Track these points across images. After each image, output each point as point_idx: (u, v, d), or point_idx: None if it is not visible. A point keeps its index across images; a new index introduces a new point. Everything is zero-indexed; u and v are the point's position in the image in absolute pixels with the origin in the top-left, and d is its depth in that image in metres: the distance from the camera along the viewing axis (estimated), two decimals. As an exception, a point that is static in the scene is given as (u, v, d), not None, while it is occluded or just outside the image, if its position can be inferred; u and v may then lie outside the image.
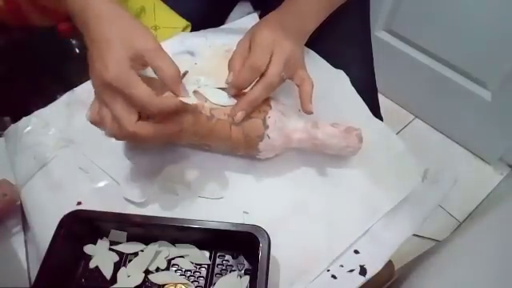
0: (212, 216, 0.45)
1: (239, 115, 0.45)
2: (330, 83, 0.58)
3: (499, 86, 1.06)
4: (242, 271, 0.44)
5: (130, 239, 0.45)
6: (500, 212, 0.71)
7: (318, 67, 0.60)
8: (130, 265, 0.44)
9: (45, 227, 0.44)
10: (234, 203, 0.49)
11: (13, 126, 0.54)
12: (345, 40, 0.65)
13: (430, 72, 1.17)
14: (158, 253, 0.44)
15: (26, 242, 0.48)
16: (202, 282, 0.43)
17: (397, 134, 0.78)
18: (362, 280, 0.45)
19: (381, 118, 0.61)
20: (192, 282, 0.43)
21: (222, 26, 0.69)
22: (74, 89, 0.57)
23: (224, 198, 0.49)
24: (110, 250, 0.45)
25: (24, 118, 0.54)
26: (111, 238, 0.45)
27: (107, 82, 0.37)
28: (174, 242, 0.45)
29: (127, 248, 0.44)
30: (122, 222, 0.44)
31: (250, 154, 0.49)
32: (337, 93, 0.58)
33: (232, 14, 0.77)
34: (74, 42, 0.62)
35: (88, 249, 0.44)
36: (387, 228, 0.48)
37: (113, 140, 0.48)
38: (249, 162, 0.51)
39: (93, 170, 0.50)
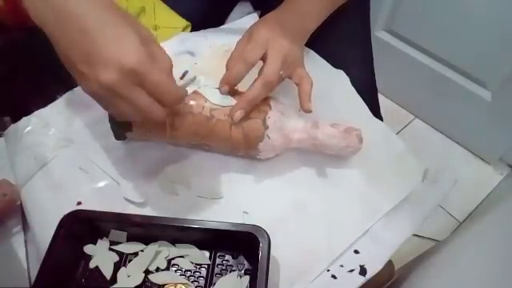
0: (212, 216, 0.45)
1: (238, 114, 0.45)
2: (330, 83, 0.58)
3: (499, 85, 1.06)
4: (242, 271, 0.44)
5: (129, 239, 0.45)
6: (500, 212, 0.71)
7: (317, 67, 0.60)
8: (129, 265, 0.44)
9: (45, 227, 0.44)
10: (234, 203, 0.48)
11: (13, 126, 0.54)
12: (345, 40, 0.65)
13: (430, 72, 1.17)
14: (157, 253, 0.44)
15: (25, 241, 0.48)
16: (201, 281, 0.43)
17: (397, 134, 0.78)
18: (361, 280, 0.45)
19: (381, 118, 0.61)
20: (192, 281, 0.43)
21: (222, 26, 0.69)
22: (74, 89, 0.57)
23: (224, 198, 0.49)
24: (110, 249, 0.44)
25: (24, 118, 0.54)
26: (111, 238, 0.45)
27: (130, 68, 0.33)
28: (173, 241, 0.45)
29: (127, 248, 0.44)
30: (122, 221, 0.44)
31: (250, 154, 0.49)
32: (337, 93, 0.58)
33: (232, 14, 0.77)
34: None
35: (88, 249, 0.44)
36: (387, 228, 0.48)
37: (113, 140, 0.49)
38: (249, 162, 0.51)
39: (93, 169, 0.50)
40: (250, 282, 0.42)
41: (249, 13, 0.71)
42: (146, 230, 0.44)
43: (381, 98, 0.66)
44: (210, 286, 0.43)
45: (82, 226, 0.43)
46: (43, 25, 0.35)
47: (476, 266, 0.55)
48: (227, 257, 0.45)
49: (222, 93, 0.47)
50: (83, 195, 0.48)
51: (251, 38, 0.48)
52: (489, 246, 0.58)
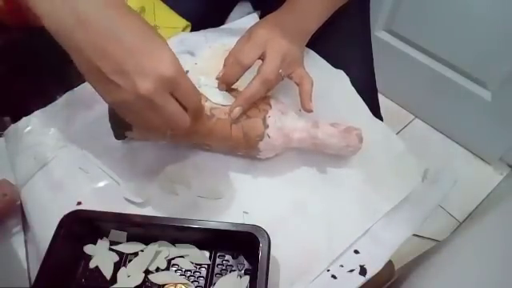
0: (212, 216, 0.45)
1: (236, 111, 0.45)
2: (330, 83, 0.58)
3: (499, 85, 1.06)
4: (242, 271, 0.44)
5: (129, 239, 0.45)
6: (500, 212, 0.71)
7: (318, 67, 0.60)
8: (130, 265, 0.44)
9: (45, 227, 0.44)
10: (234, 203, 0.48)
11: (13, 126, 0.54)
12: (345, 40, 0.65)
13: (430, 72, 1.17)
14: (157, 253, 0.44)
15: (26, 241, 0.48)
16: (201, 282, 0.43)
17: (397, 134, 0.78)
18: (361, 280, 0.45)
19: (381, 118, 0.61)
20: (192, 282, 0.43)
21: (222, 26, 0.69)
22: (74, 89, 0.57)
23: (224, 198, 0.49)
24: (110, 249, 0.44)
25: (24, 118, 0.54)
26: (111, 238, 0.45)
27: (168, 77, 0.34)
28: (173, 241, 0.45)
29: (127, 248, 0.44)
30: (121, 222, 0.44)
31: (250, 153, 0.49)
32: (337, 93, 0.58)
33: (232, 14, 0.77)
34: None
35: (88, 249, 0.44)
36: (387, 228, 0.48)
37: (113, 140, 0.49)
38: (249, 162, 0.51)
39: (93, 169, 0.50)
40: (250, 281, 0.42)
41: (249, 13, 0.71)
42: (146, 230, 0.44)
43: (381, 98, 0.66)
44: (209, 286, 0.43)
45: (82, 226, 0.43)
46: (63, 34, 0.34)
47: (476, 266, 0.55)
48: (227, 257, 0.45)
49: (220, 90, 0.47)
50: (83, 195, 0.48)
51: (250, 38, 0.48)
52: (489, 246, 0.58)
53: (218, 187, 0.50)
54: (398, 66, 1.23)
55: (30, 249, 0.48)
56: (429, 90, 1.23)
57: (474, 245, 0.63)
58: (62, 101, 0.56)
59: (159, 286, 0.43)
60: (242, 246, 0.43)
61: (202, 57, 0.60)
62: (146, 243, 0.45)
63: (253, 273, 0.42)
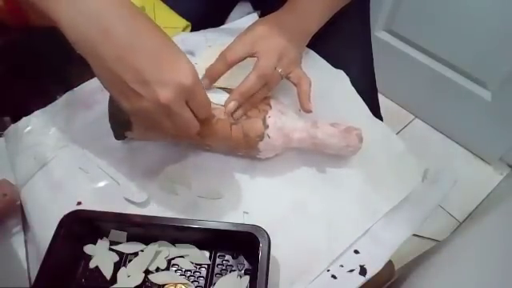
0: (212, 216, 0.45)
1: (231, 105, 0.45)
2: (330, 83, 0.58)
3: (499, 86, 1.06)
4: (242, 271, 0.44)
5: (129, 239, 0.45)
6: (500, 212, 0.71)
7: (317, 67, 0.60)
8: (130, 265, 0.44)
9: (45, 227, 0.44)
10: (234, 203, 0.49)
11: (13, 126, 0.54)
12: (345, 40, 0.65)
13: (430, 72, 1.17)
14: (157, 253, 0.44)
15: (26, 241, 0.48)
16: (201, 282, 0.43)
17: (397, 134, 0.78)
18: (361, 280, 0.45)
19: (381, 118, 0.61)
20: (192, 282, 0.43)
21: (222, 26, 0.69)
22: (74, 89, 0.57)
23: (224, 198, 0.49)
24: (110, 249, 0.44)
25: (24, 118, 0.54)
26: (111, 238, 0.45)
27: (188, 86, 0.35)
28: (173, 241, 0.45)
29: (127, 248, 0.44)
30: (122, 222, 0.44)
31: (250, 153, 0.49)
32: (337, 93, 0.58)
33: (232, 14, 0.77)
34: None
35: (88, 249, 0.44)
36: (387, 228, 0.48)
37: (113, 140, 0.49)
38: (249, 162, 0.51)
39: (93, 169, 0.50)
40: (250, 282, 0.42)
41: (249, 13, 0.71)
42: (146, 230, 0.44)
43: (381, 98, 0.66)
44: (210, 286, 0.43)
45: (82, 226, 0.43)
46: (84, 43, 0.34)
47: (476, 266, 0.55)
48: (227, 257, 0.45)
49: (204, 85, 0.47)
50: (83, 195, 0.48)
51: (242, 35, 0.49)
52: (489, 246, 0.58)
53: (218, 187, 0.50)
54: (398, 66, 1.23)
55: (30, 249, 0.48)
56: (429, 90, 1.23)
57: (474, 245, 0.63)
58: (61, 101, 0.56)
59: (159, 285, 0.43)
60: (242, 246, 0.43)
61: (202, 57, 0.60)
62: (146, 243, 0.45)
63: (253, 273, 0.42)
